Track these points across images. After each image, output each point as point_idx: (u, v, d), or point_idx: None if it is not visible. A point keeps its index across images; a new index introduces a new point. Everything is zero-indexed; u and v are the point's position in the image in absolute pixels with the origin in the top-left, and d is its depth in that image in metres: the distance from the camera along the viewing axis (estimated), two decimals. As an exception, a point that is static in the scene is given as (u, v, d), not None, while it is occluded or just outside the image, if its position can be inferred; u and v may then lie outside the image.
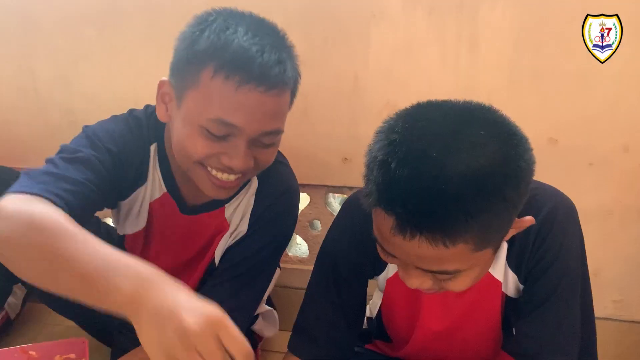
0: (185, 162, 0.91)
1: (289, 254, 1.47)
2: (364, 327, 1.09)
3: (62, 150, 0.90)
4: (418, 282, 0.74)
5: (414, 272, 0.73)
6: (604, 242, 1.27)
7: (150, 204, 1.01)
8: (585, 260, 0.86)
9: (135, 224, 1.03)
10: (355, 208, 0.91)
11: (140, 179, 0.99)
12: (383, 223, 0.69)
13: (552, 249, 0.81)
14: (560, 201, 0.83)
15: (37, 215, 0.71)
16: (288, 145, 1.31)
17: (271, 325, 1.22)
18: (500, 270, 0.85)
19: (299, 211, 1.46)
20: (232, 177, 0.90)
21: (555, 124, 1.21)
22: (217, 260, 1.03)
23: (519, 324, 0.85)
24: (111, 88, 1.36)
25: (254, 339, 1.22)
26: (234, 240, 1.02)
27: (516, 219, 0.72)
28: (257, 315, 1.20)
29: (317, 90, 1.27)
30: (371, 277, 0.94)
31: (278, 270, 1.24)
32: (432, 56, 1.20)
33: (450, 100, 0.71)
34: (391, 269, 0.91)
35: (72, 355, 0.85)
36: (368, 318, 1.09)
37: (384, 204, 0.67)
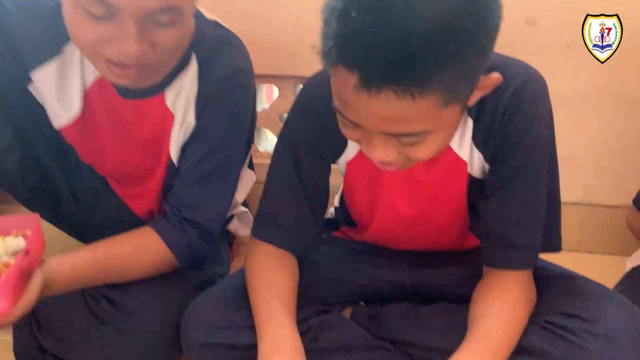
0: (82, 50, 0.83)
1: (260, 149, 1.44)
2: (331, 216, 1.09)
3: None
4: (383, 153, 0.70)
5: (378, 142, 0.69)
6: (578, 127, 1.25)
7: (88, 90, 0.94)
8: (554, 139, 0.84)
9: (65, 110, 0.95)
10: (312, 89, 0.87)
11: (45, 53, 0.90)
12: (345, 83, 0.64)
13: (521, 125, 0.78)
14: (531, 76, 0.79)
15: None
16: (253, 32, 1.24)
17: (246, 225, 1.21)
18: (466, 149, 0.83)
19: (268, 105, 1.43)
20: (131, 64, 0.79)
21: (533, 3, 1.15)
22: (174, 159, 0.98)
23: (484, 204, 0.84)
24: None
25: (229, 238, 1.22)
26: (186, 137, 0.96)
27: (482, 77, 0.69)
28: (232, 215, 1.19)
29: (282, -29, 1.18)
30: (332, 161, 0.92)
31: (253, 175, 1.21)
32: None
33: None
34: (350, 151, 0.89)
35: (28, 232, 0.81)
36: (335, 208, 1.09)
37: (345, 59, 0.63)
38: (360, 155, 0.88)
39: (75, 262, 0.87)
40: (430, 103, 0.63)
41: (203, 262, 1.03)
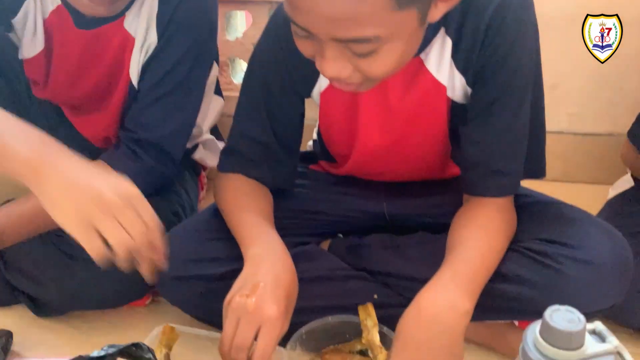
0: None
1: (234, 81, 1.38)
2: (309, 149, 1.06)
3: None
4: (335, 67, 0.64)
5: (330, 53, 0.64)
6: (564, 53, 1.20)
7: (45, 20, 0.91)
8: (539, 57, 0.79)
9: (33, 45, 0.93)
10: (281, 15, 0.80)
11: None
12: None
13: (505, 43, 0.73)
14: None
15: None
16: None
17: (213, 154, 1.18)
18: (445, 72, 0.78)
19: (241, 33, 1.36)
20: None
21: None
22: (134, 82, 0.93)
23: (465, 129, 0.81)
24: None
25: (196, 167, 1.18)
26: (147, 56, 0.92)
27: None
28: (197, 144, 1.15)
29: None
30: (306, 94, 0.87)
31: (221, 101, 1.17)
32: None
33: None
34: (324, 81, 0.84)
35: None
36: (314, 141, 1.05)
37: None
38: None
39: (24, 210, 0.84)
40: (381, 3, 0.58)
41: (166, 189, 1.00)
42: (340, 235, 0.98)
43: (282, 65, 0.83)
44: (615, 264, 0.76)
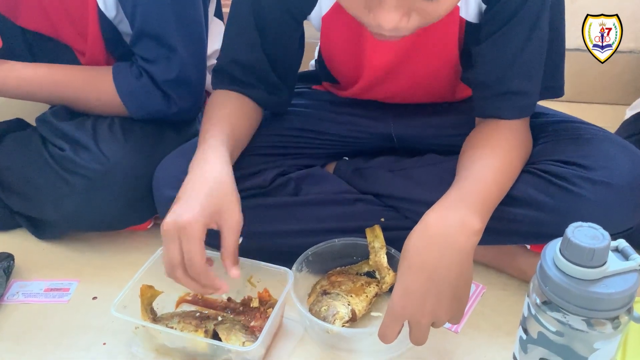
0: None
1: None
2: (311, 69, 1.01)
3: None
4: (397, 16, 0.59)
5: (389, 2, 0.58)
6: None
7: None
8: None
9: None
10: None
11: None
12: None
13: None
14: None
15: None
16: None
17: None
18: None
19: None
20: None
21: None
22: (103, 8, 0.87)
23: (478, 49, 0.76)
24: None
25: (204, 96, 1.13)
26: None
27: None
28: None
29: None
30: (302, 18, 0.81)
31: (221, 25, 1.11)
32: None
33: None
34: (324, 4, 0.78)
35: None
36: (315, 61, 0.99)
37: None
38: (336, 8, 0.77)
39: (23, 73, 0.89)
40: None
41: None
42: (346, 158, 0.95)
43: None
44: (635, 184, 0.73)
